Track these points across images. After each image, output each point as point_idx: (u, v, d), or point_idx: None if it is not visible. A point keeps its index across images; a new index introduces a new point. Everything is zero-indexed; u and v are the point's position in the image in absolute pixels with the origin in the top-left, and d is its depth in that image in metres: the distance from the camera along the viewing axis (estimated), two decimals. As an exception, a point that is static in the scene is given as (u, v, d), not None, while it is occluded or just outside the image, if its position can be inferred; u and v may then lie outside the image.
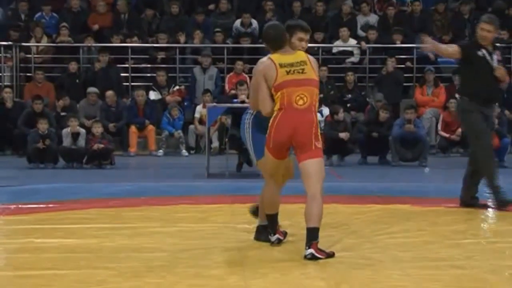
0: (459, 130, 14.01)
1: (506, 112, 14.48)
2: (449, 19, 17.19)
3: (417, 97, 15.29)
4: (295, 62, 5.91)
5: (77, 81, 15.82)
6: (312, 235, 5.69)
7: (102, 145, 12.67)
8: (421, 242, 6.31)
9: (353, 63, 16.40)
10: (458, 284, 5.06)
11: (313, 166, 5.85)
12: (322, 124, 14.04)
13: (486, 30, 7.93)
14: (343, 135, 12.92)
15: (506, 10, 17.31)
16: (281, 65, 5.88)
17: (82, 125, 13.68)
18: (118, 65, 16.11)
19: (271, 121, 5.88)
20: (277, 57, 5.94)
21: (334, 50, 16.65)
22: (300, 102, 5.85)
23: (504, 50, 16.18)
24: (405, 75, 15.96)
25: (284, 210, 8.03)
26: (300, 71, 5.89)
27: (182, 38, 16.30)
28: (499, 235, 6.86)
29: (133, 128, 14.61)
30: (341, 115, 13.38)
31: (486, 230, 7.18)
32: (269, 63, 5.94)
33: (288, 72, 5.88)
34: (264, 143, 5.95)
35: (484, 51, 7.90)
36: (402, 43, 16.38)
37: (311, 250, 5.62)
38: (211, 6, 17.70)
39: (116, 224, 7.21)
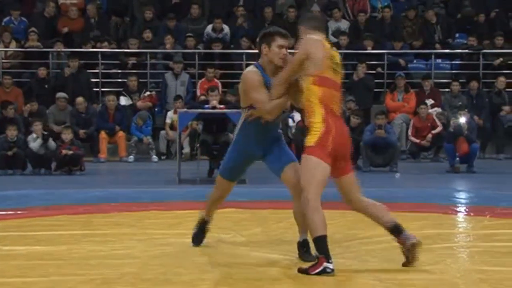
0: (429, 135, 14.12)
1: (475, 117, 14.59)
2: (419, 25, 17.30)
3: (388, 102, 15.37)
4: (338, 61, 5.52)
5: (46, 86, 15.71)
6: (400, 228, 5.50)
7: (71, 151, 12.58)
8: (392, 247, 6.31)
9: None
10: (427, 285, 5.08)
11: (354, 178, 5.64)
12: (293, 130, 14.09)
13: None
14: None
15: (474, 16, 17.46)
16: (328, 57, 5.41)
17: (51, 131, 13.59)
18: (89, 70, 16.02)
19: (319, 123, 5.36)
20: (326, 43, 5.47)
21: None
22: (338, 109, 5.51)
23: (472, 56, 16.37)
24: (376, 81, 16.03)
25: (256, 215, 8.06)
26: (339, 73, 5.52)
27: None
28: (469, 239, 6.91)
29: (103, 134, 14.53)
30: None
31: (456, 235, 7.22)
32: (318, 42, 5.42)
33: (332, 69, 5.45)
34: (233, 163, 5.94)
35: None
36: (373, 49, 16.47)
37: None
38: (182, 12, 17.65)
39: (86, 230, 7.16)
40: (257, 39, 5.95)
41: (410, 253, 5.49)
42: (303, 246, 5.81)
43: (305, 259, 5.68)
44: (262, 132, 5.81)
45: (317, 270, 5.31)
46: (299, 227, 5.88)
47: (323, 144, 5.36)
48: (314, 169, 5.35)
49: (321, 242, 5.34)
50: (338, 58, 5.55)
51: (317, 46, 5.42)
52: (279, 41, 5.76)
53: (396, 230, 5.55)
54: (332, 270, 5.30)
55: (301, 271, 5.39)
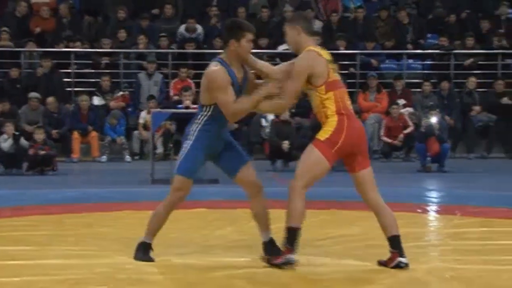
0: (401, 135, 14.20)
1: (446, 117, 14.70)
2: (391, 25, 17.38)
3: (360, 102, 15.43)
4: (331, 59, 5.58)
5: (18, 86, 15.60)
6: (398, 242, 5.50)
7: (43, 151, 12.51)
8: (365, 246, 6.37)
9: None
10: (400, 286, 5.12)
11: (372, 174, 5.66)
12: (267, 130, 14.10)
13: None
14: (285, 145, 12.94)
15: (446, 17, 17.58)
16: (328, 61, 5.50)
17: (23, 131, 13.51)
18: (61, 70, 15.93)
19: (334, 123, 5.40)
20: (321, 51, 5.53)
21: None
22: (349, 104, 5.54)
23: (443, 57, 16.49)
24: (348, 80, 16.06)
25: (228, 215, 8.07)
26: (337, 70, 5.61)
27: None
28: (440, 238, 6.97)
29: (76, 134, 14.47)
30: (285, 114, 13.35)
31: (428, 233, 7.27)
32: (317, 56, 5.47)
33: (334, 71, 5.53)
34: (196, 161, 5.66)
35: None
36: (345, 49, 16.52)
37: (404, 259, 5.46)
38: (155, 11, 17.61)
39: (59, 231, 7.13)
40: (225, 32, 5.84)
41: (390, 266, 5.50)
42: (271, 245, 5.73)
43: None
44: (223, 127, 5.75)
45: (280, 261, 5.38)
46: (261, 226, 5.82)
47: (333, 141, 5.40)
48: (315, 164, 5.43)
49: (293, 233, 5.42)
50: (330, 56, 5.63)
51: (319, 61, 5.48)
52: (249, 36, 5.68)
53: (394, 245, 5.54)
54: (295, 261, 5.39)
55: (264, 260, 5.49)
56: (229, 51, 5.68)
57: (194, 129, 5.68)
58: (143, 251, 5.78)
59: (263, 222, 5.80)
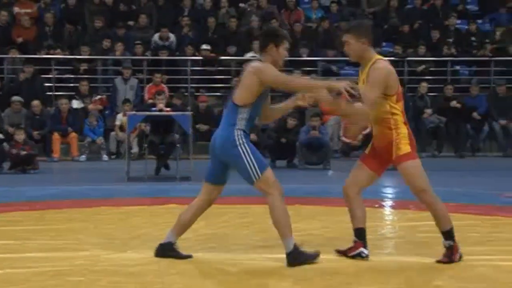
0: (360, 135, 14.24)
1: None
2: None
3: (322, 105, 15.41)
4: None
5: (1, 91, 15.44)
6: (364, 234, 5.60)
7: (25, 152, 12.37)
8: (326, 238, 6.37)
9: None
10: (358, 274, 5.13)
11: None
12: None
13: None
14: (252, 136, 12.93)
15: (400, 27, 17.69)
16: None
17: (6, 132, 13.38)
18: (43, 76, 15.80)
19: (405, 131, 5.36)
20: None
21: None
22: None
23: (397, 64, 16.59)
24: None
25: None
26: None
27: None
28: (395, 231, 7.00)
29: (56, 135, 14.36)
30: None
31: (383, 227, 7.29)
32: (391, 67, 5.35)
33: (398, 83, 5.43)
34: (260, 154, 5.29)
35: None
36: (308, 56, 16.56)
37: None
38: (131, 23, 17.54)
39: (40, 226, 7.05)
40: (264, 38, 5.55)
41: (350, 255, 5.56)
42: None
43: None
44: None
45: (354, 253, 5.49)
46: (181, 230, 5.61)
47: (414, 146, 5.43)
48: (422, 170, 5.40)
49: (452, 232, 5.43)
50: None
51: (393, 71, 5.39)
52: (286, 44, 5.52)
53: (361, 236, 5.59)
54: (367, 255, 5.49)
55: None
56: (266, 55, 5.48)
57: (238, 135, 5.27)
58: (300, 253, 5.32)
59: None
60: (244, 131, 5.30)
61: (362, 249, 5.55)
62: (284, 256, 5.38)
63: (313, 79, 5.37)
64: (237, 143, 5.25)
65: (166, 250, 5.53)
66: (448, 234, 5.45)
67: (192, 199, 8.92)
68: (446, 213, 5.47)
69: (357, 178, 5.62)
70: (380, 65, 5.36)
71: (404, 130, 5.43)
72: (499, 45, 17.19)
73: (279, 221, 5.29)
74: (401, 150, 5.39)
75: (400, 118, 5.43)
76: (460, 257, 5.47)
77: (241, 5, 18.35)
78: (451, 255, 5.44)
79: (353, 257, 5.55)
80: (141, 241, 6.30)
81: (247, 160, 5.23)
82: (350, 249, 5.60)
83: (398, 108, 5.42)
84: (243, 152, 5.24)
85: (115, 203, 8.57)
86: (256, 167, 5.23)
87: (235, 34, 17.18)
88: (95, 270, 5.23)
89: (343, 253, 5.62)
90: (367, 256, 5.53)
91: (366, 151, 5.71)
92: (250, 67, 5.37)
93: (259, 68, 5.32)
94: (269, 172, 5.28)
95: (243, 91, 5.31)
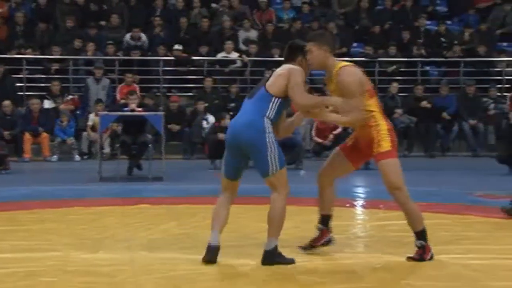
0: (331, 135, 14.30)
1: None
2: (321, 35, 17.46)
3: (294, 106, 15.46)
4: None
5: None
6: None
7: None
8: (297, 238, 6.38)
9: (235, 72, 16.46)
10: (330, 273, 5.14)
11: None
12: (207, 131, 14.06)
13: None
14: (221, 135, 12.95)
15: (370, 28, 17.78)
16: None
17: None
18: (13, 76, 15.67)
19: (385, 127, 5.42)
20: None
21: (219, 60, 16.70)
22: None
23: (368, 64, 16.69)
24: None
25: (171, 211, 8.02)
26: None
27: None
28: (366, 230, 7.03)
29: (27, 135, 14.24)
30: (227, 121, 13.37)
31: (354, 226, 7.32)
32: (357, 68, 5.44)
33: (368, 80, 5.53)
34: (280, 150, 5.28)
35: None
36: (280, 56, 16.56)
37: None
38: (103, 23, 17.44)
39: (12, 226, 6.98)
40: (293, 50, 5.61)
41: (318, 246, 5.69)
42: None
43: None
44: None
45: (323, 241, 5.67)
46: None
47: (395, 144, 5.47)
48: (399, 169, 5.42)
49: (424, 232, 5.48)
50: None
51: (363, 76, 5.45)
52: None
53: (325, 222, 5.73)
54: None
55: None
56: (296, 65, 5.53)
57: (267, 123, 5.26)
58: (278, 255, 5.33)
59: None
60: (271, 122, 5.27)
61: (330, 235, 5.70)
62: (254, 256, 5.37)
63: (315, 96, 5.40)
64: (266, 130, 5.22)
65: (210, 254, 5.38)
66: (420, 234, 5.50)
67: (165, 199, 8.98)
68: (418, 213, 5.52)
69: (332, 167, 5.68)
70: (349, 75, 5.40)
71: (384, 126, 5.48)
72: (468, 46, 17.35)
73: (274, 220, 5.33)
74: (382, 147, 5.44)
75: (378, 114, 5.48)
76: (431, 257, 5.51)
77: (213, 5, 18.33)
78: (422, 254, 5.49)
79: (324, 245, 5.68)
80: (113, 241, 6.27)
81: (271, 151, 5.22)
82: (317, 239, 5.70)
83: (373, 104, 5.46)
84: (269, 141, 5.22)
85: (87, 204, 8.51)
86: (277, 161, 5.23)
87: (207, 34, 17.16)
88: (67, 270, 5.19)
89: (310, 246, 5.70)
90: (331, 240, 5.70)
91: (348, 141, 5.73)
92: (289, 67, 5.44)
93: (293, 69, 5.40)
94: (285, 170, 5.31)
95: (278, 83, 5.32)
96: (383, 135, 5.45)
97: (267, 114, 5.28)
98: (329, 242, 5.77)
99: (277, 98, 5.33)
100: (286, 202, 5.33)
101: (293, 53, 5.58)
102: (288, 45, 5.65)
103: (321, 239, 5.73)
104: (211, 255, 5.33)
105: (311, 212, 7.36)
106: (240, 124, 5.32)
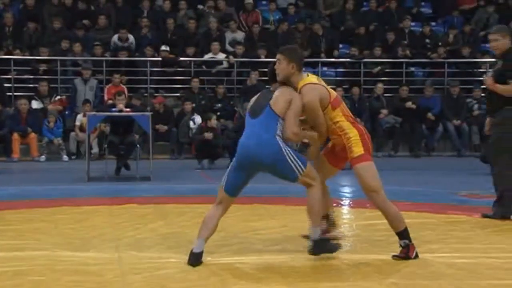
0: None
1: (357, 119, 14.86)
2: (307, 36, 17.53)
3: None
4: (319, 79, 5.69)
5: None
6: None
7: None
8: (284, 237, 6.39)
9: (222, 72, 16.46)
10: (316, 271, 5.16)
11: None
12: (194, 131, 14.05)
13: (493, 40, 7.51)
14: (207, 135, 12.96)
15: (356, 29, 17.81)
16: (322, 85, 5.56)
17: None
18: (2, 76, 15.60)
19: (354, 133, 5.49)
20: (313, 78, 5.56)
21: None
22: (352, 115, 5.65)
23: (354, 65, 16.73)
24: (269, 86, 16.12)
25: (159, 210, 8.00)
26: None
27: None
28: (355, 229, 7.04)
29: (15, 135, 14.18)
30: (214, 121, 13.36)
31: (341, 225, 7.32)
32: (316, 85, 5.48)
33: (330, 89, 5.61)
34: (296, 152, 5.43)
35: None
36: (266, 57, 16.58)
37: None
38: (87, 22, 17.38)
39: (0, 226, 6.94)
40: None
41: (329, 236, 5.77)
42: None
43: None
44: None
45: (413, 254, 5.54)
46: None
47: (367, 148, 5.52)
48: (374, 172, 5.51)
49: (406, 232, 5.54)
50: (318, 78, 5.67)
51: (319, 88, 5.49)
52: None
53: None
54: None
55: (396, 257, 5.55)
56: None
57: (279, 140, 5.39)
58: (324, 243, 5.50)
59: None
60: (280, 136, 5.42)
61: (334, 233, 5.85)
62: (241, 254, 5.38)
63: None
64: (281, 146, 5.36)
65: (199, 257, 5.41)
66: (402, 234, 5.56)
67: (152, 199, 8.96)
68: (397, 213, 5.56)
69: (319, 170, 5.70)
70: (307, 94, 5.45)
71: (353, 132, 5.52)
72: (452, 47, 17.42)
73: (314, 209, 5.43)
74: (354, 153, 5.50)
75: (345, 123, 5.53)
76: (416, 255, 5.55)
77: (200, 7, 18.32)
78: (407, 252, 5.53)
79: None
80: (101, 240, 6.25)
81: (291, 160, 5.36)
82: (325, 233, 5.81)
83: (337, 114, 5.52)
84: (287, 154, 5.36)
85: (75, 203, 8.48)
86: (300, 163, 5.37)
87: (193, 35, 17.15)
88: (55, 269, 5.18)
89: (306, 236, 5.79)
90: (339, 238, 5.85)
91: (328, 145, 5.81)
92: (282, 87, 5.53)
93: (305, 91, 5.46)
94: (310, 165, 5.45)
95: (282, 101, 5.42)
96: (354, 141, 5.51)
97: (278, 133, 5.40)
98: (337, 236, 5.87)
99: (281, 119, 5.43)
100: (320, 192, 5.45)
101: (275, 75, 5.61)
102: (271, 68, 5.67)
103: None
104: (193, 261, 5.35)
105: (297, 211, 7.39)
106: (255, 145, 5.37)
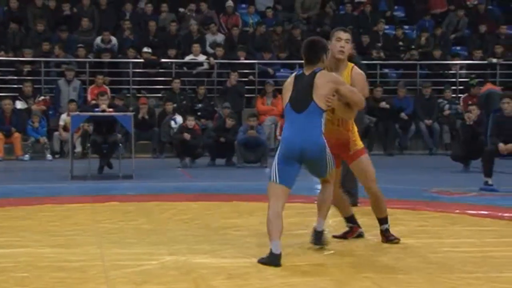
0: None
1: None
2: (285, 39, 17.55)
3: (258, 106, 15.50)
4: None
5: None
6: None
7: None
8: (264, 233, 6.35)
9: (202, 73, 16.42)
10: (296, 267, 5.15)
11: None
12: (175, 131, 14.01)
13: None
14: (186, 135, 12.94)
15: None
16: None
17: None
18: (-14, 77, 15.50)
19: (355, 128, 5.85)
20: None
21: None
22: None
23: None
24: (248, 87, 16.16)
25: (141, 207, 7.97)
26: None
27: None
28: (329, 225, 7.04)
29: (0, 135, 14.07)
30: (191, 122, 13.33)
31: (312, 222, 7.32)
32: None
33: None
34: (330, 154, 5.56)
35: None
36: (245, 59, 16.59)
37: None
38: (73, 26, 17.30)
39: (-16, 223, 6.89)
40: (319, 48, 5.62)
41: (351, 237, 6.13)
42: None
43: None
44: None
45: (393, 237, 6.00)
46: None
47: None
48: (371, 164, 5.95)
49: (387, 217, 6.05)
50: None
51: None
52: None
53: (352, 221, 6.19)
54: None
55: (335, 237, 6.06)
56: (321, 64, 5.59)
57: (324, 139, 5.44)
58: (325, 237, 5.69)
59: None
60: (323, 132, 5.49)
61: (360, 230, 6.18)
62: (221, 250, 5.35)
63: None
64: (325, 147, 5.45)
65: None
66: (384, 220, 6.01)
67: (134, 196, 8.93)
68: (384, 202, 6.03)
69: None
70: (361, 73, 5.92)
71: (355, 128, 5.88)
72: (424, 49, 17.52)
73: (326, 203, 5.65)
74: (358, 145, 5.86)
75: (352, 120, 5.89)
76: (395, 238, 5.94)
77: (181, 10, 18.27)
78: (388, 236, 5.98)
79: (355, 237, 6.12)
80: (84, 237, 6.22)
81: (328, 160, 5.51)
82: (348, 233, 6.15)
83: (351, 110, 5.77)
84: (328, 154, 5.49)
85: (59, 201, 8.43)
86: (332, 164, 5.56)
87: (175, 37, 17.11)
88: (39, 266, 5.14)
89: (341, 237, 6.13)
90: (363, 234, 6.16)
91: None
92: (323, 75, 5.48)
93: (334, 77, 5.53)
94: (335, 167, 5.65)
95: (325, 96, 5.42)
96: (356, 135, 5.87)
97: (322, 129, 5.44)
98: (360, 235, 6.16)
99: (324, 112, 5.47)
100: (333, 188, 5.69)
101: (319, 53, 5.59)
102: (311, 44, 5.63)
103: (353, 234, 6.15)
104: (276, 262, 5.19)
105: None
106: (303, 141, 5.37)
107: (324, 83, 5.44)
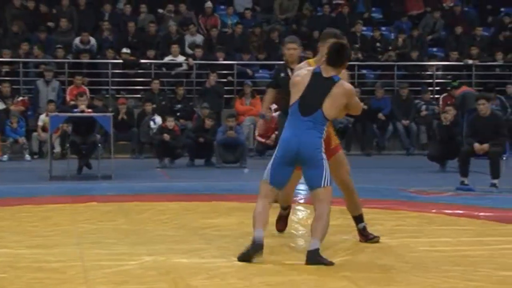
0: (273, 135, 14.34)
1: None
2: (263, 40, 17.57)
3: (237, 106, 15.50)
4: None
5: None
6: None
7: None
8: (242, 233, 6.39)
9: (181, 74, 16.41)
10: (274, 266, 5.17)
11: None
12: (154, 131, 13.97)
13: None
14: (165, 136, 12.91)
15: (310, 33, 17.89)
16: None
17: None
18: (-36, 78, 15.35)
19: (331, 131, 5.89)
20: None
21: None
22: None
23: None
24: (227, 87, 16.16)
25: (121, 208, 7.95)
26: None
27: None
28: (305, 226, 7.07)
29: (-22, 136, 13.96)
30: (170, 123, 13.32)
31: (306, 220, 7.36)
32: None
33: None
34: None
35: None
36: (224, 59, 16.59)
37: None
38: (51, 24, 17.19)
39: (-37, 224, 6.84)
40: (343, 55, 5.50)
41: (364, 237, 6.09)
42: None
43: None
44: None
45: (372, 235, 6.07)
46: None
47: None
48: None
49: (362, 215, 6.12)
50: None
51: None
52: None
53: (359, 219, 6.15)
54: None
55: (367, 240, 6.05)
56: (339, 71, 5.56)
57: (322, 144, 5.41)
58: (320, 256, 5.24)
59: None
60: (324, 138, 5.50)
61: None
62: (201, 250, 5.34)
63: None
64: (322, 149, 5.39)
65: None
66: (360, 218, 6.05)
67: (114, 197, 8.90)
68: (358, 199, 6.06)
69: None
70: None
71: (331, 126, 5.89)
72: (401, 50, 17.62)
73: (323, 229, 5.33)
74: (336, 141, 6.00)
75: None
76: (374, 237, 5.97)
77: (160, 11, 18.23)
78: (367, 235, 6.02)
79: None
80: (63, 238, 6.19)
81: (325, 168, 5.37)
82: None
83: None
84: (324, 159, 5.39)
85: (38, 202, 8.38)
86: (328, 177, 5.38)
87: (154, 38, 17.06)
88: (18, 266, 5.11)
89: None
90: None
91: None
92: (341, 87, 5.43)
93: (351, 92, 5.52)
94: (331, 188, 5.45)
95: (335, 107, 5.41)
96: (332, 134, 5.95)
97: (323, 136, 5.44)
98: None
99: (328, 122, 5.47)
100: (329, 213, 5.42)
101: (344, 59, 5.51)
102: (340, 48, 5.50)
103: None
104: (253, 250, 5.23)
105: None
106: (301, 143, 5.34)
107: (339, 96, 5.41)
